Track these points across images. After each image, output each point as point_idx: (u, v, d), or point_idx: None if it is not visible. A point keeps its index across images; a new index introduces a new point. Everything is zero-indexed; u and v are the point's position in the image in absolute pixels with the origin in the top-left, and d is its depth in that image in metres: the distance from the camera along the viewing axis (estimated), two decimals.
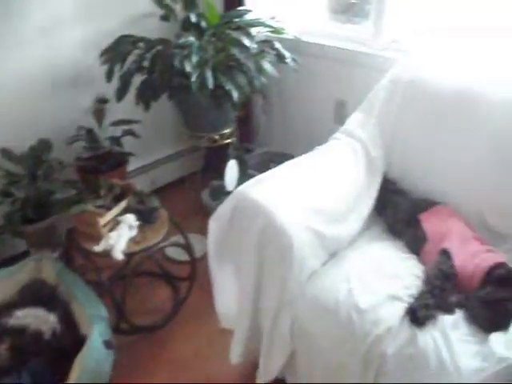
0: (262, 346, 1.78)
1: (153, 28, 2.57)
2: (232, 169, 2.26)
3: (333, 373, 1.62)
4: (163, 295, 2.42)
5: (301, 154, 1.96)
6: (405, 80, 2.08)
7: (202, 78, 2.12)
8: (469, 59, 2.22)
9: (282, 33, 2.56)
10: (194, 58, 2.14)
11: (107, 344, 1.82)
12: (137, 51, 2.34)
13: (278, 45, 2.46)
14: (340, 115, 2.55)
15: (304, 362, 1.72)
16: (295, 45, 2.62)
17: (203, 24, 2.41)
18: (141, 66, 2.32)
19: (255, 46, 2.33)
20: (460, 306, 1.56)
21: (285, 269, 1.62)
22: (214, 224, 1.76)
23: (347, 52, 2.60)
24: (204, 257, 1.88)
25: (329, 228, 1.73)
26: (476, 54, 2.23)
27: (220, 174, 2.31)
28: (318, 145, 2.02)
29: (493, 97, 1.90)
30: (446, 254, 1.70)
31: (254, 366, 1.85)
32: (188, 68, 2.10)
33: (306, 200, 1.73)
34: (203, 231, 1.82)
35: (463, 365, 1.39)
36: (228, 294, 1.85)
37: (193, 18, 2.39)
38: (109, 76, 2.30)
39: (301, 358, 1.72)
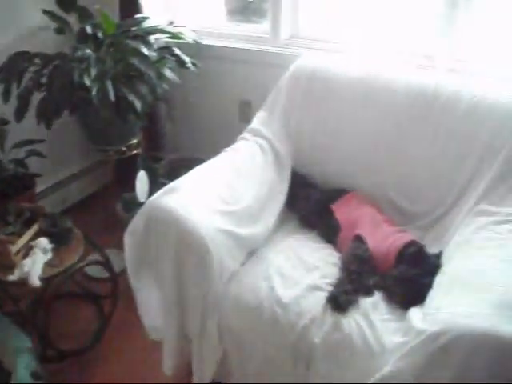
0: (192, 351, 1.77)
1: (48, 42, 2.49)
2: (142, 180, 2.23)
3: (265, 368, 1.65)
4: (88, 315, 2.35)
5: (210, 157, 1.96)
6: (306, 73, 2.14)
7: (102, 91, 2.07)
8: (367, 48, 2.34)
9: (181, 38, 2.55)
10: (93, 71, 2.09)
11: (35, 375, 1.74)
12: (33, 68, 2.25)
13: (177, 50, 2.45)
14: (246, 115, 2.57)
15: (236, 361, 1.73)
16: (195, 49, 2.61)
17: (100, 35, 2.35)
18: (39, 82, 2.23)
19: (154, 53, 2.32)
20: (377, 287, 1.64)
21: (205, 273, 1.62)
22: (129, 238, 1.73)
23: (248, 52, 2.63)
24: (125, 271, 1.85)
25: (243, 228, 1.75)
26: (373, 43, 2.36)
27: (132, 186, 2.27)
28: (226, 146, 2.04)
29: (391, 83, 2.02)
30: (359, 239, 1.77)
31: (189, 374, 1.84)
32: (87, 82, 2.05)
33: (218, 203, 1.74)
34: (121, 245, 1.78)
35: (386, 342, 1.47)
36: (153, 305, 1.82)
37: (88, 30, 2.33)
38: (5, 96, 2.21)
39: (232, 358, 1.73)
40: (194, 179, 1.82)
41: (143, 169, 2.31)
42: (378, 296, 1.61)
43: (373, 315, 1.54)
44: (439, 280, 1.53)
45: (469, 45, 2.26)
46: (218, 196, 1.76)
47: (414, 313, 1.48)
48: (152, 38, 2.46)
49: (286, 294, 1.60)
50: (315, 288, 1.62)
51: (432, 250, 1.72)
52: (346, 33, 2.54)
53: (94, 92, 2.05)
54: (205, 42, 2.69)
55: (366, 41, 2.44)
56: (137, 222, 1.72)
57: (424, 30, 2.34)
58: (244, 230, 1.75)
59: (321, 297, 1.59)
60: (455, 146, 1.89)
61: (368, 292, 1.61)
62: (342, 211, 1.92)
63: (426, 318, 1.39)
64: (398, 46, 2.38)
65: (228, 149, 2.01)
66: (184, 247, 1.63)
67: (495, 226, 1.64)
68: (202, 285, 1.64)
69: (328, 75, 2.12)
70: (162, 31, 2.51)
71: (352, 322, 1.52)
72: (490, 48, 2.25)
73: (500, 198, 1.75)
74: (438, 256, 1.65)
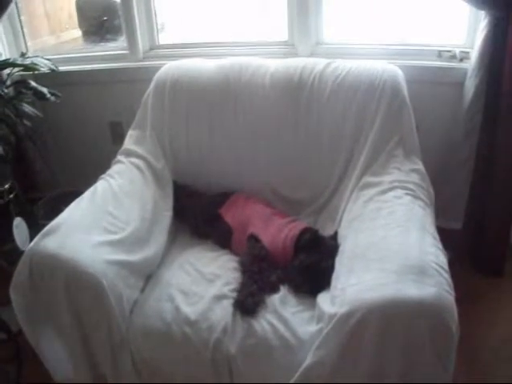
0: None
1: None
2: (19, 227, 2.08)
3: None
4: None
5: (89, 187, 1.85)
6: (169, 84, 2.09)
7: None
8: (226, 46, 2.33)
9: (36, 69, 2.40)
10: None
11: None
12: None
13: (33, 83, 2.31)
14: (118, 136, 2.47)
15: None
16: (54, 78, 2.48)
17: None
18: None
19: (8, 90, 2.17)
20: (282, 281, 1.62)
21: (104, 311, 1.52)
22: (15, 291, 1.57)
23: (109, 71, 2.54)
24: None
25: (134, 254, 1.66)
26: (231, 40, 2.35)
27: (12, 236, 2.11)
28: (103, 172, 1.94)
29: (256, 78, 2.03)
30: (253, 238, 1.75)
31: None
32: None
33: (103, 235, 1.63)
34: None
35: (302, 334, 1.45)
36: (59, 355, 1.69)
37: None
38: None
39: None
40: (72, 215, 1.70)
41: (19, 214, 2.16)
42: (284, 290, 1.60)
43: (283, 310, 1.51)
44: (339, 260, 1.54)
45: (326, 27, 2.32)
46: (102, 227, 1.65)
47: (323, 298, 1.49)
48: (3, 73, 2.31)
49: (192, 310, 1.54)
50: (221, 297, 1.57)
51: (327, 232, 1.74)
52: (204, 34, 2.53)
53: None
54: (62, 68, 2.55)
55: (224, 38, 2.44)
56: (20, 273, 1.58)
57: (281, 19, 2.36)
58: (136, 256, 1.66)
59: (228, 305, 1.54)
60: (329, 127, 1.94)
61: (273, 289, 1.59)
62: (230, 214, 1.89)
63: (335, 300, 1.39)
64: (257, 39, 2.40)
65: (104, 175, 1.91)
66: (76, 289, 1.52)
67: (381, 196, 1.69)
68: (104, 323, 1.53)
69: (192, 82, 2.08)
70: (14, 65, 2.35)
71: (264, 322, 1.49)
72: (346, 28, 2.34)
73: (381, 167, 1.81)
74: (334, 237, 1.67)
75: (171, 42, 2.57)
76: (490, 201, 2.25)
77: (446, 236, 2.39)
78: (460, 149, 2.25)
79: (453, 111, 2.26)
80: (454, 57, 2.28)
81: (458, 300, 2.25)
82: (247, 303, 1.51)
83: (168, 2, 2.79)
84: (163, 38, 2.67)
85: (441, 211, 2.24)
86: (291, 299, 1.56)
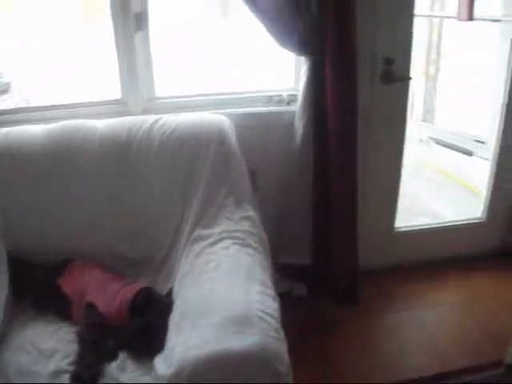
0: None
1: None
2: None
3: None
4: None
5: None
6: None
7: None
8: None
9: None
10: None
11: None
12: None
13: None
14: None
15: None
16: None
17: None
18: None
19: None
20: (120, 347, 1.62)
21: None
22: None
23: None
24: None
25: None
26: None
27: None
28: None
29: (86, 141, 2.01)
30: (89, 306, 1.74)
31: None
32: None
33: None
34: None
35: None
36: None
37: None
38: None
39: None
40: None
41: None
42: (122, 356, 1.59)
43: (122, 377, 1.51)
44: (172, 318, 1.57)
45: (158, 83, 2.38)
46: None
47: (159, 359, 1.50)
48: None
49: None
50: (59, 373, 1.54)
51: (166, 290, 1.78)
52: (48, 95, 2.51)
53: None
54: None
55: (62, 100, 2.43)
56: None
57: (107, 78, 2.39)
58: None
59: (66, 380, 1.51)
60: (159, 183, 1.98)
61: (112, 357, 1.58)
62: (69, 283, 1.85)
63: (166, 361, 1.43)
64: (92, 99, 2.41)
65: None
66: None
67: (211, 248, 1.75)
68: None
69: (21, 150, 1.99)
70: None
71: None
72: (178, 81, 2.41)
73: (212, 219, 1.88)
74: (168, 295, 1.70)
75: (5, 108, 2.51)
76: (333, 234, 2.36)
77: (296, 272, 2.53)
78: (298, 186, 2.37)
79: (287, 151, 2.36)
80: (282, 101, 2.43)
81: (317, 332, 2.41)
82: (84, 376, 1.49)
83: (14, 60, 2.74)
84: (6, 100, 2.61)
85: (288, 248, 2.35)
86: (130, 364, 1.56)
